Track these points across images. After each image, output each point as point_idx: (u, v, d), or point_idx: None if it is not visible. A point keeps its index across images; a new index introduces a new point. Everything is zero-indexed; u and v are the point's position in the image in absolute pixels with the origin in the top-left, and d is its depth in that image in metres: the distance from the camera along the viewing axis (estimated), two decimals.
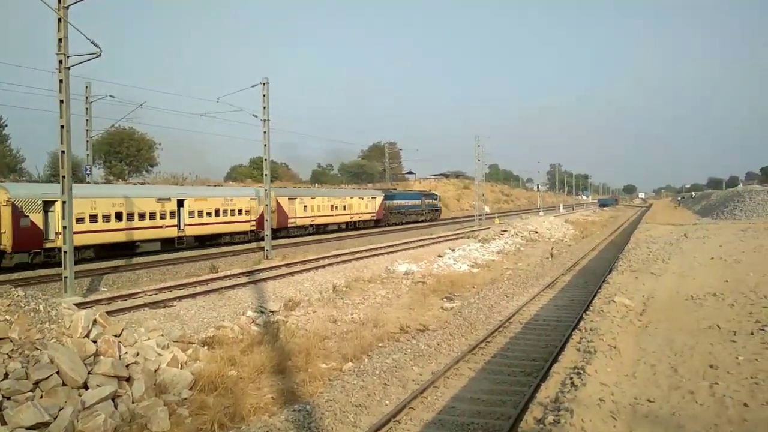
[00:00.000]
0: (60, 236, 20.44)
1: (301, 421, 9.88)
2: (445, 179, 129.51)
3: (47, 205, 26.27)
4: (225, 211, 37.71)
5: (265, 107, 30.53)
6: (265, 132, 30.82)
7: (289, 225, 44.33)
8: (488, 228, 50.05)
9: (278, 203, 42.27)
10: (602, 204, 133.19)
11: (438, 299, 20.43)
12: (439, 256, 31.43)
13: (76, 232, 21.14)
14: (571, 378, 8.82)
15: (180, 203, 34.42)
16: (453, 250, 33.83)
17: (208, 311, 17.56)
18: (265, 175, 32.00)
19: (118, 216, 30.08)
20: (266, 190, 32.12)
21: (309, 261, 28.65)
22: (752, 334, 11.38)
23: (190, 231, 35.43)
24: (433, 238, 42.91)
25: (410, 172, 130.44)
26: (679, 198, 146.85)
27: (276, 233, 38.88)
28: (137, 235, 31.60)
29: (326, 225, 50.33)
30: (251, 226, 39.63)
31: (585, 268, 30.00)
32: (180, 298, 19.07)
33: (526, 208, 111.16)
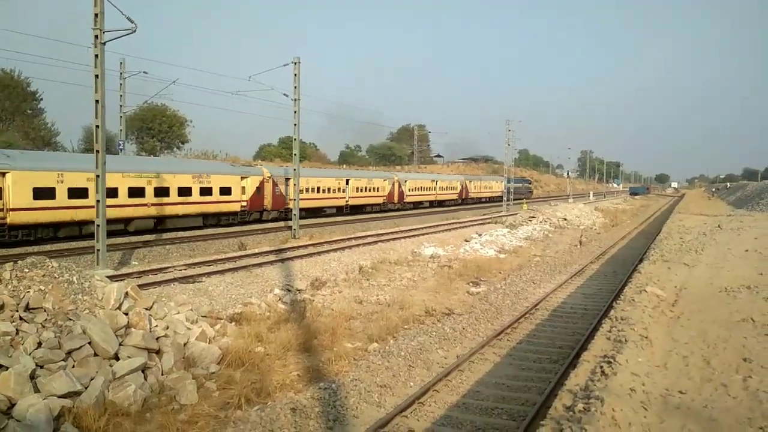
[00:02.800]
0: (292, 200, 33.39)
1: (326, 399, 9.94)
2: (474, 163, 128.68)
3: (287, 180, 40.14)
4: (368, 188, 52.01)
5: (296, 87, 30.50)
6: (295, 111, 30.83)
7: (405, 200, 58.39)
8: (516, 214, 49.60)
9: (398, 183, 56.96)
10: (633, 192, 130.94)
11: (464, 283, 20.33)
12: (466, 241, 31.26)
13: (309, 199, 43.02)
14: (602, 366, 8.71)
15: (347, 182, 48.76)
16: (480, 234, 33.61)
17: (236, 288, 17.75)
18: (294, 154, 32.08)
19: (326, 190, 46.04)
20: (295, 169, 32.24)
21: (335, 241, 28.74)
22: None
23: (351, 202, 49.76)
24: (459, 223, 42.70)
25: (438, 155, 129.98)
26: (713, 188, 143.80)
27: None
28: (326, 203, 46.93)
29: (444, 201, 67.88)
30: (383, 199, 54.37)
31: (614, 256, 29.56)
32: (209, 274, 19.30)
33: (555, 195, 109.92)
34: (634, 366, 8.78)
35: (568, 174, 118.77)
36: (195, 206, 33.11)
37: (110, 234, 24.25)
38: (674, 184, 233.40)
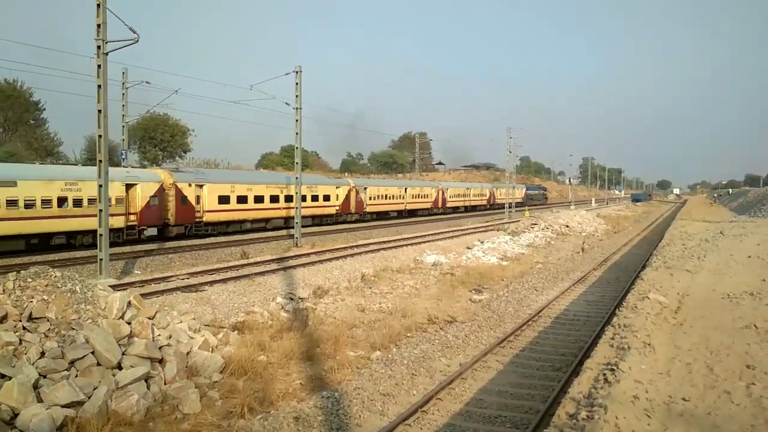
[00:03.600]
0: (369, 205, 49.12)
1: (329, 408, 9.93)
2: (476, 171, 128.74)
3: (365, 189, 50.60)
4: (420, 195, 60.80)
5: (297, 95, 30.59)
6: (297, 120, 30.91)
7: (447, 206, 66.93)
8: (518, 221, 49.59)
9: (442, 191, 65.76)
10: (635, 199, 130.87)
11: (466, 291, 20.32)
12: (468, 248, 31.26)
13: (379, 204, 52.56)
14: (605, 374, 8.69)
15: (405, 190, 57.75)
16: (482, 242, 33.62)
17: (239, 296, 17.76)
18: (296, 163, 32.15)
19: (390, 197, 55.14)
20: (297, 177, 32.30)
21: (337, 249, 28.75)
22: None
23: (408, 207, 58.51)
24: (462, 230, 42.71)
25: (440, 163, 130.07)
26: (714, 194, 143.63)
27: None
28: (390, 208, 55.65)
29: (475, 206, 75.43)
30: (431, 204, 63.17)
31: (617, 263, 29.53)
32: (211, 282, 19.31)
33: (557, 201, 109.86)
34: (638, 373, 8.76)
35: (569, 181, 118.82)
36: (309, 209, 41.80)
37: (244, 231, 36.89)
38: (676, 191, 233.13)
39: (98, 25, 18.29)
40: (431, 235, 38.12)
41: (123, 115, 40.55)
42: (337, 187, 46.71)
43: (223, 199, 35.26)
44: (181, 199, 32.84)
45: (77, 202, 27.02)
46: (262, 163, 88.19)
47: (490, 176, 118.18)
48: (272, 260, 24.85)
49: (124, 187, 29.62)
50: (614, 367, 8.91)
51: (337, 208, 46.48)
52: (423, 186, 63.89)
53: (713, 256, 23.67)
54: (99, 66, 18.46)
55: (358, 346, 13.46)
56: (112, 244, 30.63)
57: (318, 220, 44.24)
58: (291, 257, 25.84)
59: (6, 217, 24.42)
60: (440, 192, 65.36)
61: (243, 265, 23.25)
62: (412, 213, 59.51)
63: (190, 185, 33.43)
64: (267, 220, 39.43)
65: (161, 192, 31.79)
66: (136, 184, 30.46)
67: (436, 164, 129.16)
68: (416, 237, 36.03)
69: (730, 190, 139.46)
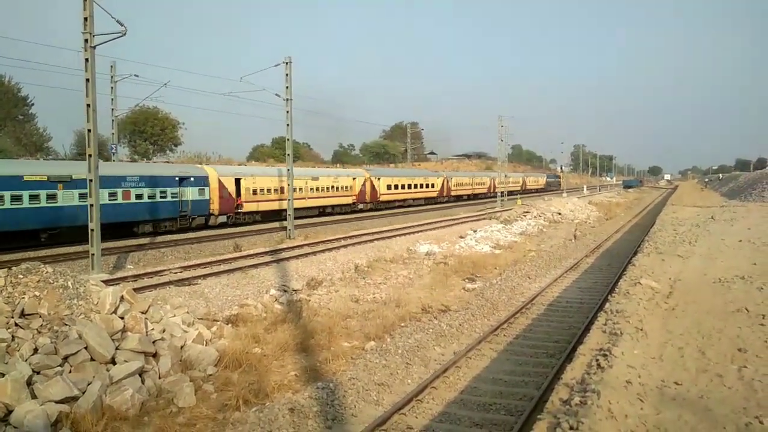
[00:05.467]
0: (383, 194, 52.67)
1: (324, 399, 9.96)
2: (467, 159, 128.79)
3: (380, 179, 53.61)
4: (424, 185, 63.48)
5: (288, 87, 30.43)
6: (288, 111, 30.77)
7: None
8: (510, 209, 49.68)
9: (446, 180, 69.11)
10: (627, 186, 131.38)
11: (460, 280, 20.38)
12: (461, 237, 31.29)
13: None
14: (598, 360, 8.75)
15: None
16: (475, 231, 33.66)
17: (232, 289, 17.73)
18: (288, 154, 32.07)
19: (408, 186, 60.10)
20: (288, 169, 32.24)
21: (331, 241, 28.72)
22: None
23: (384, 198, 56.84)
24: (454, 219, 42.75)
25: (432, 153, 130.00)
26: (705, 180, 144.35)
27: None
28: (401, 197, 59.21)
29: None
30: (437, 193, 66.58)
31: (609, 250, 29.66)
32: (204, 276, 19.26)
33: (550, 189, 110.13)
34: (630, 358, 8.83)
35: (561, 168, 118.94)
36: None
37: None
38: (667, 176, 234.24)
39: (85, 18, 18.12)
40: (425, 224, 38.12)
41: (112, 109, 40.34)
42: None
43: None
44: (373, 186, 51.88)
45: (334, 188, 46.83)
46: (254, 155, 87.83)
47: (482, 165, 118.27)
48: (265, 252, 24.81)
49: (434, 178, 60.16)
50: (607, 353, 8.97)
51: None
52: (428, 176, 67.01)
53: (704, 241, 23.83)
54: (87, 60, 18.30)
55: (352, 336, 13.49)
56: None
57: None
58: (284, 249, 25.81)
59: (311, 197, 44.17)
60: (444, 181, 68.75)
61: (236, 258, 23.20)
62: (419, 202, 63.23)
63: (375, 179, 52.63)
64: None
65: (365, 183, 51.84)
66: (356, 178, 50.48)
67: (428, 154, 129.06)
68: (410, 227, 36.03)
69: (721, 175, 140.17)
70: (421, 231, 34.28)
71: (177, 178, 33.22)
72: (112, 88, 39.52)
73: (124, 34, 18.49)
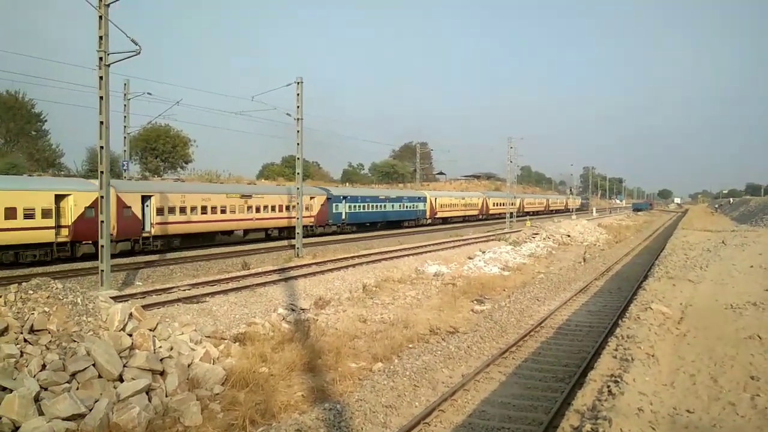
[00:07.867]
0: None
1: (331, 420, 9.88)
2: (476, 180, 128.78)
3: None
4: (466, 205, 72.12)
5: (299, 106, 30.67)
6: (298, 131, 30.98)
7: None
8: (519, 231, 49.55)
9: (486, 200, 78.19)
10: (636, 208, 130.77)
11: (468, 301, 20.27)
12: (470, 258, 31.20)
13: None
14: (609, 386, 8.64)
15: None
16: (483, 252, 33.55)
17: (240, 307, 17.71)
18: (298, 173, 32.21)
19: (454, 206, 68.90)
20: (298, 188, 32.38)
21: (339, 260, 28.71)
22: None
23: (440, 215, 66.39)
24: (463, 240, 42.66)
25: (441, 173, 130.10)
26: (716, 204, 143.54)
27: None
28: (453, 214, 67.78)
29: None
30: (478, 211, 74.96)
31: (619, 273, 29.46)
32: (213, 293, 19.28)
33: (559, 210, 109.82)
34: (642, 385, 8.72)
35: (570, 190, 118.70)
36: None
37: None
38: (677, 200, 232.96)
39: (100, 37, 18.37)
40: (433, 245, 38.07)
41: (125, 126, 40.74)
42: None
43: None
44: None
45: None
46: (264, 173, 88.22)
47: (490, 186, 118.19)
48: (273, 271, 24.82)
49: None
50: (618, 379, 8.86)
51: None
52: (472, 197, 75.79)
53: (715, 265, 23.62)
54: (101, 78, 18.52)
55: (359, 357, 13.41)
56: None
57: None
58: (292, 267, 25.82)
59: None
60: (484, 201, 76.23)
61: (244, 276, 23.22)
62: (464, 219, 69.79)
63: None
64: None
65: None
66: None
67: (437, 174, 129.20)
68: (418, 247, 35.99)
69: (731, 200, 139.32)
70: (430, 251, 34.22)
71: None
72: (125, 105, 39.97)
73: (139, 53, 18.70)
